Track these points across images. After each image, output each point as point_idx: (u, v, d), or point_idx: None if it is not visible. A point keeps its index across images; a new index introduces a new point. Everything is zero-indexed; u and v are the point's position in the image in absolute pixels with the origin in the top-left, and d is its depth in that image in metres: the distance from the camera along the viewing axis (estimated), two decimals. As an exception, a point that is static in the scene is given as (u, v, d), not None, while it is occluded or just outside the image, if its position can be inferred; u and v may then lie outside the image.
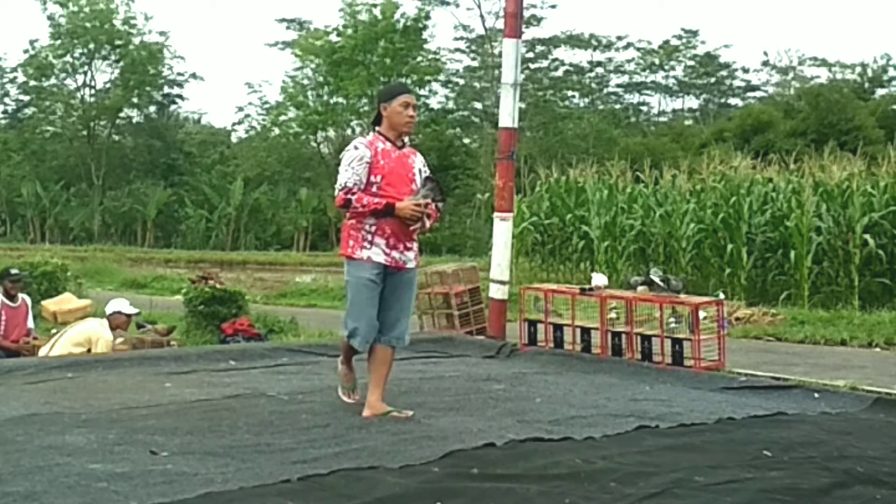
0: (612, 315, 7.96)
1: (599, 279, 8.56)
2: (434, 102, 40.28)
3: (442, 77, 40.72)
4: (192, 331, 11.67)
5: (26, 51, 42.29)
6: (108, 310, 8.43)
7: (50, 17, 40.90)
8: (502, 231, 8.66)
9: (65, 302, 11.71)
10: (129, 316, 8.44)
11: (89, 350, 7.91)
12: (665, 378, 6.80)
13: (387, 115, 5.21)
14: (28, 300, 9.66)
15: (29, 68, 42.25)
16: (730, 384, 6.56)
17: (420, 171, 5.29)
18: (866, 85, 44.47)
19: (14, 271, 9.79)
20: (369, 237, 5.14)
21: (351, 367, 5.55)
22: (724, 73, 49.75)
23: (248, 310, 12.32)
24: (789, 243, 14.63)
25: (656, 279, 8.34)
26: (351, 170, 5.12)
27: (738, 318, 12.47)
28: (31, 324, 9.49)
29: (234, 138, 47.35)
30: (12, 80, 44.29)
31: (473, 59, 43.07)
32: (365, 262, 5.15)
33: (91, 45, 41.26)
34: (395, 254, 5.18)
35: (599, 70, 48.22)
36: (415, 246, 5.31)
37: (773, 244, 15.11)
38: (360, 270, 5.17)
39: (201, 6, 72.35)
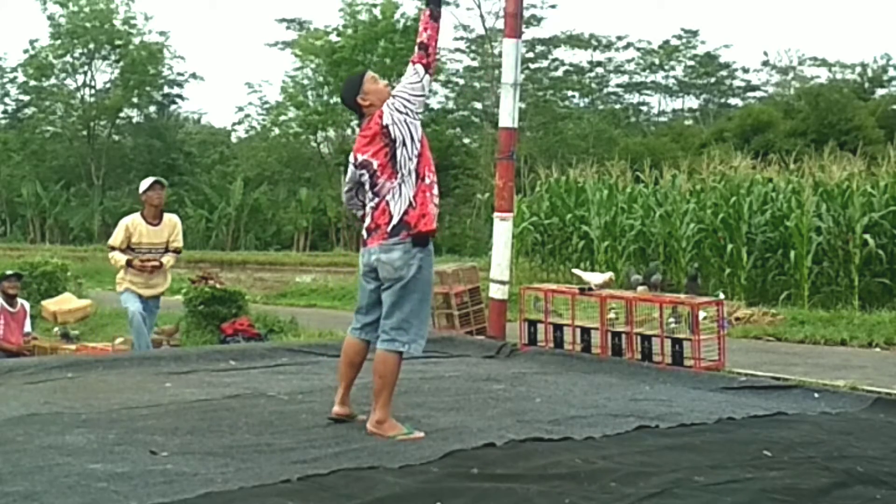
0: (612, 315, 7.95)
1: (595, 277, 8.55)
2: (434, 102, 40.31)
3: (442, 77, 40.72)
4: (192, 331, 11.67)
5: (26, 51, 42.31)
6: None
7: (50, 17, 40.92)
8: (502, 231, 8.65)
9: (65, 302, 11.74)
10: (148, 192, 8.10)
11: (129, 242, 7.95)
12: (665, 378, 6.80)
13: (371, 101, 4.80)
14: (27, 305, 9.75)
15: (29, 68, 42.24)
16: (730, 384, 6.56)
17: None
18: (866, 85, 44.50)
19: (10, 272, 9.87)
20: (434, 208, 4.75)
21: None
22: (724, 73, 49.77)
23: (248, 310, 12.31)
24: (789, 243, 14.63)
25: (692, 282, 8.32)
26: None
27: (738, 318, 12.46)
28: (28, 328, 9.56)
29: (234, 138, 47.38)
30: (12, 80, 44.31)
31: (473, 59, 43.06)
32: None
33: (91, 45, 41.25)
34: None
35: (599, 70, 48.25)
36: None
37: (773, 244, 15.11)
38: (432, 257, 4.84)
39: (201, 6, 72.48)
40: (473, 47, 42.57)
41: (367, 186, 4.81)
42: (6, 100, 45.26)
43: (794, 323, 12.20)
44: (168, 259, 8.12)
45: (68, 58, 42.00)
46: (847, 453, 4.38)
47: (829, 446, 4.52)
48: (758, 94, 50.33)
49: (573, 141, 37.05)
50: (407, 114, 4.72)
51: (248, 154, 42.30)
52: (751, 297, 14.49)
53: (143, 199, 8.19)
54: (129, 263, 7.91)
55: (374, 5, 37.10)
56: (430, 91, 4.95)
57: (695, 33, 48.20)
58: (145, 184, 8.21)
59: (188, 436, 4.65)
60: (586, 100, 47.04)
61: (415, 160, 4.70)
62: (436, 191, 4.80)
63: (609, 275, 8.73)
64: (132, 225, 8.02)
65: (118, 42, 41.50)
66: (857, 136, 30.68)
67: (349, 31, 37.60)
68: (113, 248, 8.01)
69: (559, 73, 45.47)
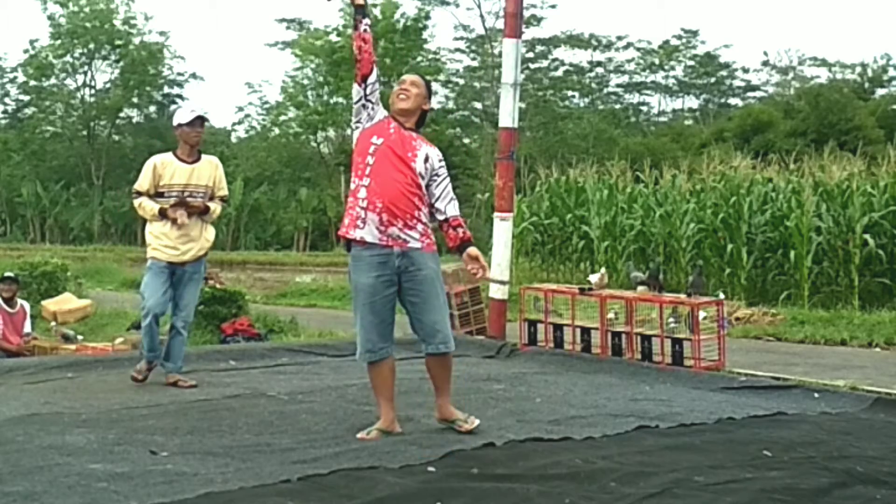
0: (611, 315, 7.95)
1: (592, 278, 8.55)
2: (434, 102, 40.24)
3: (442, 77, 40.72)
4: (192, 331, 11.66)
5: (26, 51, 42.46)
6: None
7: (50, 17, 41.02)
8: (502, 231, 8.65)
9: (65, 302, 11.75)
10: (183, 126, 6.39)
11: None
12: (665, 378, 6.80)
13: None
14: (27, 306, 9.74)
15: (29, 68, 42.32)
16: (730, 384, 6.56)
17: None
18: (866, 85, 44.56)
19: (8, 274, 9.87)
20: (362, 212, 4.67)
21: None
22: (724, 73, 49.85)
23: (248, 310, 12.30)
24: (789, 243, 14.61)
25: (698, 277, 8.33)
26: None
27: (738, 318, 12.45)
28: (28, 328, 9.56)
29: (234, 138, 47.42)
30: (12, 80, 44.44)
31: (473, 59, 43.14)
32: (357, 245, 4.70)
33: (91, 45, 41.33)
34: (392, 230, 4.67)
35: (599, 70, 48.36)
36: (419, 226, 4.71)
37: (773, 244, 15.09)
38: (358, 263, 4.75)
39: (201, 6, 72.50)
40: (473, 47, 42.61)
41: None
42: (6, 100, 45.47)
43: (794, 323, 12.18)
44: (215, 206, 6.46)
45: (68, 58, 42.08)
46: (847, 453, 4.37)
47: (829, 446, 4.51)
48: (758, 94, 50.49)
49: (573, 141, 37.10)
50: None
51: (248, 154, 42.35)
52: (751, 297, 14.48)
53: (177, 134, 6.42)
54: (162, 213, 6.25)
55: (374, 5, 37.10)
56: (366, 100, 4.83)
57: (695, 33, 48.35)
58: (184, 116, 6.42)
59: (188, 436, 4.65)
60: (586, 100, 47.13)
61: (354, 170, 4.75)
62: (361, 194, 4.65)
63: (601, 271, 8.75)
64: (161, 164, 6.32)
65: (118, 42, 41.58)
66: (857, 136, 30.67)
67: (349, 31, 37.59)
68: (139, 194, 6.33)
69: (559, 73, 45.57)
